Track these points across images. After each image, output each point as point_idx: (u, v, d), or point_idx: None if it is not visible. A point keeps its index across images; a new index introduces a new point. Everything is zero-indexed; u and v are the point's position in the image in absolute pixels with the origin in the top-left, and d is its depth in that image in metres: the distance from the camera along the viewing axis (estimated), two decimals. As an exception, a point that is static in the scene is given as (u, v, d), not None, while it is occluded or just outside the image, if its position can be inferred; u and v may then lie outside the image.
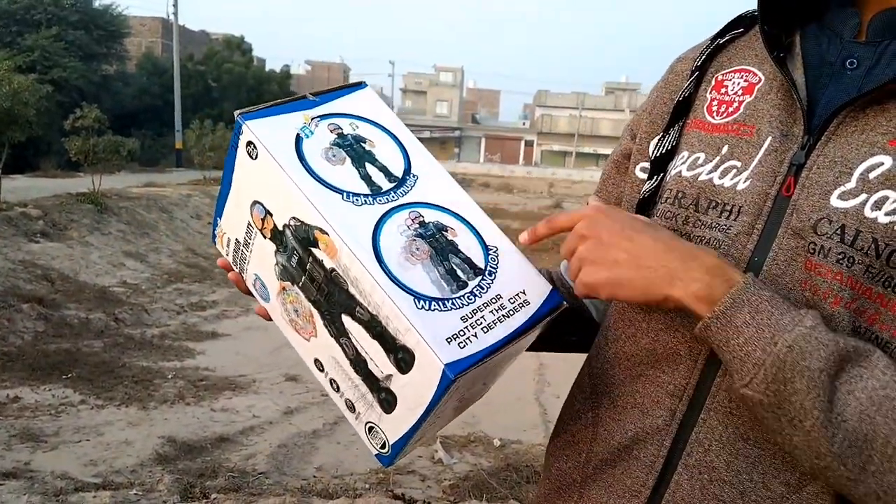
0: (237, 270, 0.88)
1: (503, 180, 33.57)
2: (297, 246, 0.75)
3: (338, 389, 0.78)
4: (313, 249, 0.73)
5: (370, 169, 0.79)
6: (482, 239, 0.78)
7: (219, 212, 0.87)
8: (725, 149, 0.74)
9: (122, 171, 13.53)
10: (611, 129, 48.38)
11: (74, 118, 11.33)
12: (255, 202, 0.79)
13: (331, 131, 0.80)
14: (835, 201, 0.64)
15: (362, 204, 0.75)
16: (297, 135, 0.78)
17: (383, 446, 0.75)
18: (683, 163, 0.77)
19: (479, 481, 3.63)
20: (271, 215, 0.77)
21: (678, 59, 0.87)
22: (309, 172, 0.75)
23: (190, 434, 4.13)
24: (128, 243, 9.52)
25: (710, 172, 0.74)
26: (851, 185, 0.64)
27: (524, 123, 57.55)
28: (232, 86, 28.11)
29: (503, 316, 0.71)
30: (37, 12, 21.95)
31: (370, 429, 0.76)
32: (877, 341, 0.62)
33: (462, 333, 0.67)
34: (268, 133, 0.77)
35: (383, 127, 0.85)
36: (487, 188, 29.09)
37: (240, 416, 4.49)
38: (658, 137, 0.82)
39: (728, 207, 0.71)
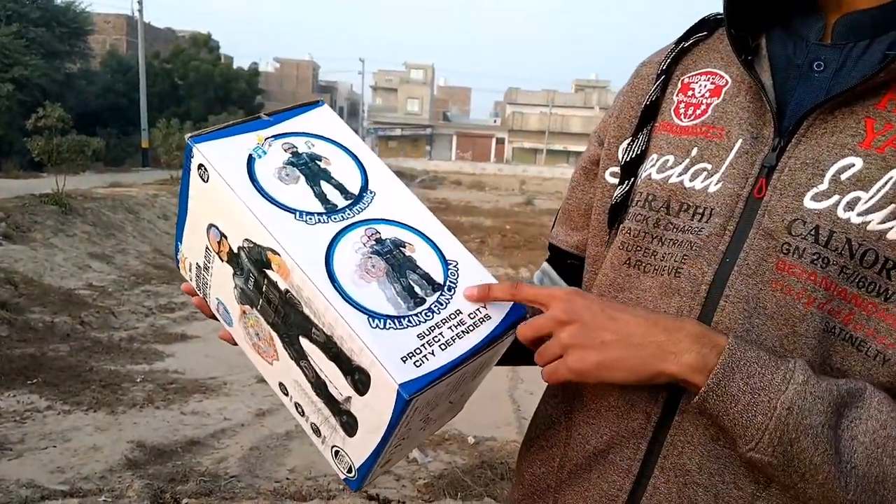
0: (201, 295, 0.86)
1: (475, 178, 33.65)
2: (252, 268, 0.73)
3: (303, 413, 0.76)
4: (267, 271, 0.72)
5: (325, 187, 0.77)
6: (441, 253, 0.76)
7: (179, 236, 0.86)
8: (695, 151, 0.74)
9: (86, 171, 13.29)
10: (581, 127, 48.78)
11: (37, 117, 11.09)
12: (211, 225, 0.78)
13: (285, 150, 0.79)
14: (808, 202, 0.65)
15: (315, 223, 0.73)
16: (250, 155, 0.77)
17: (350, 470, 0.73)
18: (653, 165, 0.77)
19: (453, 479, 3.62)
20: (226, 238, 0.76)
21: (643, 63, 0.87)
22: (260, 193, 0.73)
23: (160, 438, 4.06)
24: (93, 245, 9.33)
25: (681, 175, 0.74)
26: (824, 186, 0.65)
27: (495, 121, 57.73)
28: (199, 84, 27.75)
29: (463, 332, 0.70)
30: (-4, 9, 21.44)
31: (336, 453, 0.74)
32: (851, 341, 0.63)
33: (418, 352, 0.66)
34: (218, 155, 0.75)
35: (340, 144, 0.83)
36: (459, 186, 29.12)
37: (211, 419, 4.43)
38: (627, 142, 0.82)
39: (700, 210, 0.71)
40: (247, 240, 0.73)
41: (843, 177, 0.64)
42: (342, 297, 0.67)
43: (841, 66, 0.69)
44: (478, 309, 0.72)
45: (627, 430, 0.72)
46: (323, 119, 0.85)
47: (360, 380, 0.66)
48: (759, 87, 0.71)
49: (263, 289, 0.73)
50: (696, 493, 0.68)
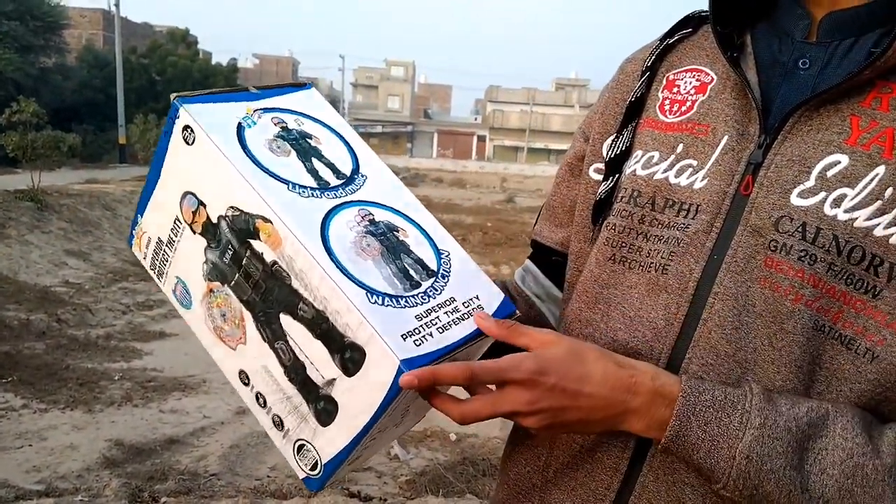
0: (155, 275, 0.82)
1: (456, 175, 33.64)
2: (233, 239, 0.71)
3: (264, 405, 0.73)
4: (252, 241, 0.69)
5: (317, 164, 0.76)
6: (434, 243, 0.75)
7: (140, 209, 0.82)
8: (680, 147, 0.74)
9: (62, 167, 13.12)
10: (561, 125, 48.96)
11: (11, 112, 10.90)
12: (187, 193, 0.74)
13: (274, 124, 0.77)
14: (795, 199, 0.65)
15: (309, 196, 0.71)
16: (239, 123, 0.74)
17: (314, 467, 0.71)
18: (637, 162, 0.77)
19: (435, 476, 3.62)
20: (204, 206, 0.73)
21: (627, 59, 0.87)
22: (252, 160, 0.71)
23: (138, 437, 4.02)
24: (70, 242, 9.21)
25: (666, 171, 0.74)
26: (810, 183, 0.65)
27: (476, 119, 57.77)
28: (177, 79, 27.43)
29: (458, 319, 0.69)
30: (-32, 2, 21.05)
31: (300, 447, 0.71)
32: (841, 340, 0.63)
33: (417, 332, 0.65)
34: (207, 118, 0.72)
35: (329, 126, 0.81)
36: (441, 183, 29.10)
37: (190, 417, 4.39)
38: (612, 138, 0.82)
39: (686, 206, 0.71)
40: (232, 207, 0.70)
41: (830, 174, 0.64)
42: (339, 269, 0.65)
43: (826, 63, 0.70)
44: (471, 299, 0.71)
45: None
46: (311, 101, 0.83)
47: (351, 358, 0.64)
48: (744, 83, 0.71)
49: (243, 262, 0.70)
50: (684, 491, 0.68)
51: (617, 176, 0.79)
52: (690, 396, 0.62)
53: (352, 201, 0.73)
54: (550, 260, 0.91)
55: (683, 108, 0.76)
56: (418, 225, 0.76)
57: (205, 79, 29.04)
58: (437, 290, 0.70)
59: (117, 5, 22.68)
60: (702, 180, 0.71)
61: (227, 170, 0.70)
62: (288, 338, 0.69)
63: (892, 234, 0.61)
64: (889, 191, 0.62)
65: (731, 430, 0.60)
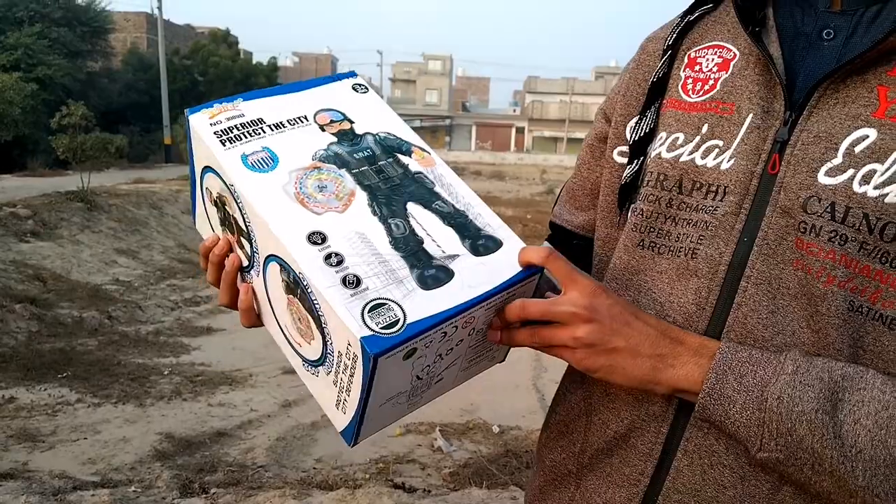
0: (220, 138, 0.77)
1: (495, 168, 33.55)
2: (376, 148, 0.79)
3: (338, 263, 0.68)
4: (400, 156, 0.79)
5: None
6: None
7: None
8: (705, 128, 0.72)
9: (110, 168, 13.47)
10: (601, 114, 48.30)
11: (61, 116, 11.25)
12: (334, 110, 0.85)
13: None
14: (822, 178, 0.63)
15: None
16: None
17: (392, 325, 0.64)
18: (662, 144, 0.75)
19: (478, 468, 3.63)
20: (352, 123, 0.82)
21: (648, 38, 0.85)
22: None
23: (188, 430, 4.12)
24: (119, 241, 9.46)
25: (692, 153, 0.72)
26: (838, 160, 0.63)
27: (514, 110, 57.45)
28: (219, 79, 27.94)
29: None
30: (19, 10, 21.69)
31: (377, 305, 0.65)
32: (882, 320, 0.61)
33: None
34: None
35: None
36: (479, 176, 29.05)
37: (237, 411, 4.48)
38: (635, 120, 0.80)
39: (713, 188, 0.69)
40: (388, 132, 0.82)
41: (857, 149, 0.62)
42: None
43: (851, 33, 0.67)
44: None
45: (648, 413, 0.71)
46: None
47: (485, 245, 0.71)
48: (767, 58, 0.68)
49: (380, 163, 0.78)
50: (723, 473, 0.66)
51: (642, 159, 0.77)
52: (728, 353, 0.63)
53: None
54: (571, 243, 0.90)
55: (707, 87, 0.74)
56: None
57: (246, 78, 29.50)
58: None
59: (160, 8, 23.17)
60: (728, 161, 0.69)
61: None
62: (409, 218, 0.73)
63: None
64: None
65: (765, 379, 0.60)
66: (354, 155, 0.76)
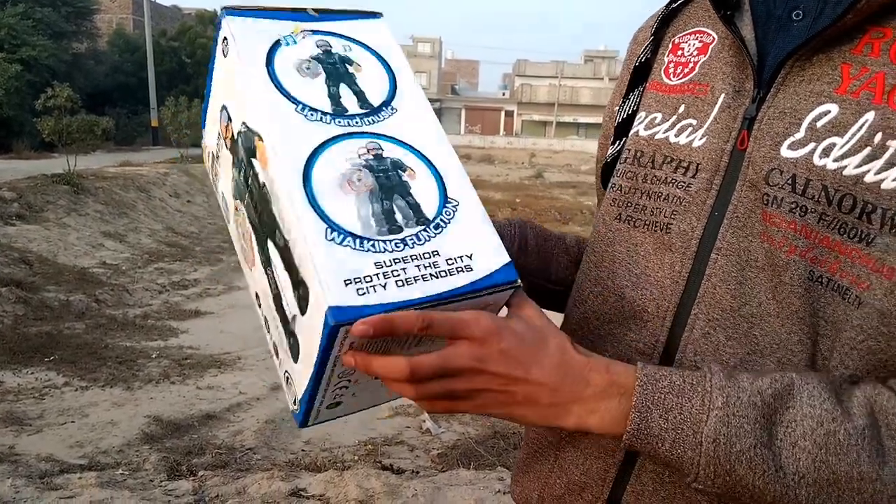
0: (215, 189, 0.80)
1: (484, 151, 33.50)
2: (244, 156, 0.69)
3: (268, 330, 0.70)
4: (253, 160, 0.67)
5: (343, 90, 0.71)
6: (444, 189, 0.67)
7: (203, 122, 0.82)
8: (682, 108, 0.75)
9: (97, 150, 13.34)
10: (590, 98, 48.33)
11: (46, 97, 11.13)
12: (223, 107, 0.74)
13: (318, 46, 0.74)
14: (785, 151, 0.65)
15: (315, 120, 0.67)
16: (277, 40, 0.72)
17: (295, 402, 0.66)
18: (641, 123, 0.78)
19: (467, 449, 3.66)
20: (231, 122, 0.72)
21: (640, 28, 0.89)
22: (270, 76, 0.68)
23: (176, 413, 4.12)
24: (106, 224, 9.39)
25: (667, 131, 0.75)
26: (800, 134, 0.64)
27: (504, 94, 57.27)
28: (206, 61, 27.52)
29: (431, 275, 0.61)
30: (2, -11, 21.37)
31: (287, 378, 0.68)
32: (838, 290, 0.62)
33: (368, 280, 0.58)
34: (244, 31, 0.71)
35: (382, 58, 0.76)
36: (469, 160, 28.98)
37: (226, 394, 4.48)
38: (620, 104, 0.84)
39: (685, 164, 0.72)
40: (244, 122, 0.68)
41: (819, 124, 0.64)
42: (308, 199, 0.61)
43: (819, 13, 0.68)
44: (460, 256, 0.63)
45: None
46: (375, 31, 0.79)
47: (301, 296, 0.60)
48: (738, 40, 0.71)
49: (250, 181, 0.68)
50: None
51: (624, 139, 0.81)
52: (648, 384, 0.60)
53: (364, 132, 0.68)
54: None
55: (686, 70, 0.77)
56: (434, 168, 0.68)
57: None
58: (419, 240, 0.62)
59: (146, -11, 22.84)
60: (700, 139, 0.71)
61: (243, 83, 0.68)
62: (272, 265, 0.66)
63: (884, 180, 0.60)
64: (878, 136, 0.60)
65: (693, 415, 0.58)
66: (241, 176, 0.70)
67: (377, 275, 0.59)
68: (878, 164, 0.60)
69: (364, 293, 0.57)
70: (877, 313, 0.59)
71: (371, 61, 0.75)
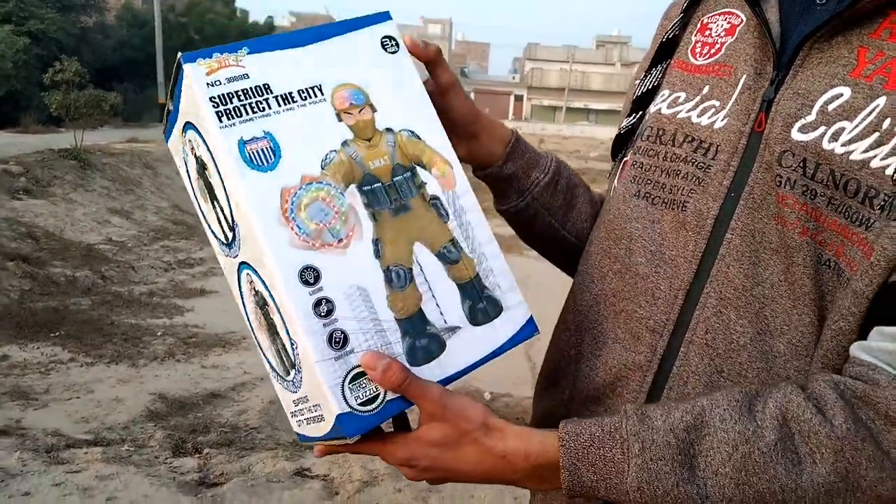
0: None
1: (492, 135, 33.23)
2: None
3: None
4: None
5: (217, 211, 0.67)
6: (287, 330, 0.64)
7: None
8: (706, 89, 0.75)
9: (104, 126, 13.29)
10: (601, 84, 47.96)
11: (54, 71, 11.09)
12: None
13: (193, 155, 0.67)
14: (795, 134, 0.65)
15: (224, 254, 0.69)
16: (182, 156, 0.70)
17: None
18: (664, 101, 0.78)
19: (469, 435, 3.66)
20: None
21: (672, 4, 0.89)
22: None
23: (181, 391, 4.14)
24: (112, 200, 9.40)
25: (690, 111, 0.75)
26: (811, 117, 0.65)
27: (514, 77, 56.95)
28: (215, 38, 27.48)
29: (310, 420, 0.65)
30: (11, -39, 21.24)
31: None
32: (839, 273, 0.63)
33: (299, 414, 0.67)
34: (174, 144, 0.72)
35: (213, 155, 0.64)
36: (476, 143, 28.82)
37: (231, 373, 4.50)
38: (642, 77, 0.84)
39: (705, 145, 0.72)
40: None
41: (831, 107, 0.64)
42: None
43: None
44: (317, 405, 0.63)
45: (634, 362, 0.73)
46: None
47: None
48: (762, 22, 0.71)
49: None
50: None
51: (641, 113, 0.81)
52: (569, 442, 0.62)
53: (242, 263, 0.66)
54: None
55: (713, 51, 0.77)
56: (274, 300, 0.63)
57: (242, 36, 28.87)
58: (295, 384, 0.65)
59: (155, -37, 22.69)
60: (722, 120, 0.72)
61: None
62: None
63: (889, 165, 0.60)
64: (887, 122, 0.61)
65: (617, 465, 0.60)
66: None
67: (298, 410, 0.68)
68: (885, 149, 0.60)
69: (300, 425, 0.69)
70: (851, 293, 0.60)
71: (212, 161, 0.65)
